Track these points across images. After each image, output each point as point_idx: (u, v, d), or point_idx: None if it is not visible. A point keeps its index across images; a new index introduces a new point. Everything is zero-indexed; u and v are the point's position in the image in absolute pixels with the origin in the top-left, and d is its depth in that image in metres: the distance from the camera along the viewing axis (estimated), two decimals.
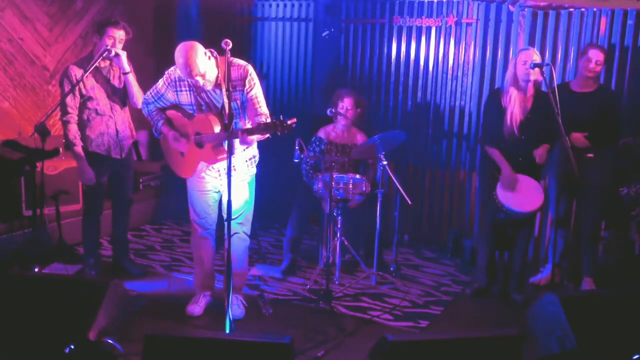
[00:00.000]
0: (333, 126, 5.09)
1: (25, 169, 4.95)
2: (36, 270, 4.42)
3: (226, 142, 3.49)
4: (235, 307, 4.12)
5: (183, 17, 6.26)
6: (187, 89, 3.84)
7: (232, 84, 3.75)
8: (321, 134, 5.10)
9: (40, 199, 4.46)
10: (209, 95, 3.83)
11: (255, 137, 3.66)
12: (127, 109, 4.61)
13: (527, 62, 4.29)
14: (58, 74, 5.40)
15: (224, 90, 3.55)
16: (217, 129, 3.72)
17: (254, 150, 4.07)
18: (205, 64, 3.64)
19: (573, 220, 4.92)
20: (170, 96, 3.91)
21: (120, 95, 4.52)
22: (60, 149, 4.98)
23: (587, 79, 4.51)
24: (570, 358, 3.14)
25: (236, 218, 3.94)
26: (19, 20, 5.46)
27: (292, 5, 6.22)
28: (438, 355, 2.93)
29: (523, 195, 4.39)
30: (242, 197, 4.01)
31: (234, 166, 3.73)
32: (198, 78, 3.65)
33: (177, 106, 3.97)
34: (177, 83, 3.85)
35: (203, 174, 4.01)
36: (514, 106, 4.39)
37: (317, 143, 5.05)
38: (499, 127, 4.45)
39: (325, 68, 6.03)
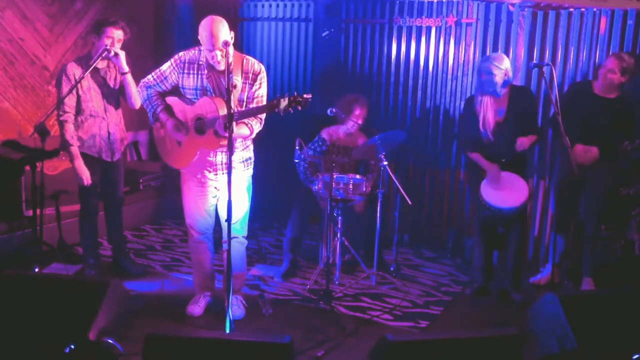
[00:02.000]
0: (337, 128, 5.03)
1: (25, 169, 4.96)
2: (36, 270, 4.42)
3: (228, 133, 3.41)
4: (235, 308, 4.12)
5: (178, 19, 6.25)
6: (195, 72, 3.82)
7: (244, 74, 3.77)
8: (324, 135, 5.05)
9: (40, 199, 4.46)
10: (219, 80, 3.80)
11: (255, 125, 3.77)
12: (120, 110, 4.59)
13: (481, 72, 4.37)
14: None
15: (233, 76, 3.53)
16: (223, 112, 3.65)
17: (249, 152, 4.05)
18: (227, 39, 3.61)
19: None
20: (174, 78, 3.87)
21: (115, 97, 4.51)
22: None
23: (607, 86, 4.46)
24: (570, 358, 3.14)
25: (235, 223, 3.91)
26: (19, 20, 5.46)
27: (292, 5, 6.22)
28: (438, 355, 2.92)
29: (505, 192, 4.41)
30: (240, 204, 3.98)
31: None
32: (217, 52, 3.65)
33: (176, 92, 3.93)
34: (186, 65, 3.83)
35: (199, 175, 3.99)
36: (486, 111, 4.43)
37: (320, 144, 5.01)
38: (477, 133, 4.48)
39: (325, 68, 6.03)
